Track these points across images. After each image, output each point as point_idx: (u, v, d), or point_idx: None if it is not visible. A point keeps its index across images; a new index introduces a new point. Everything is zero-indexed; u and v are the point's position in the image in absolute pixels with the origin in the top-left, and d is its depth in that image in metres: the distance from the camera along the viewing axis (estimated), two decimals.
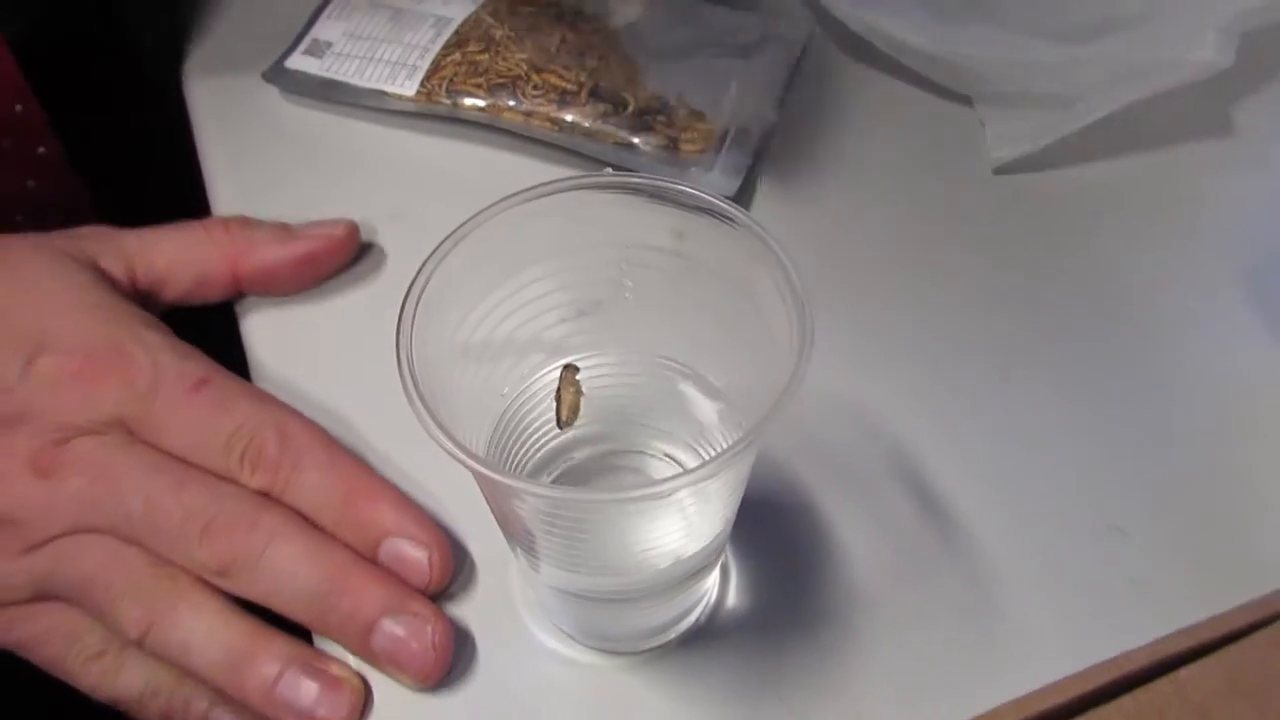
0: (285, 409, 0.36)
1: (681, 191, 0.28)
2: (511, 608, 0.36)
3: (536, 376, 0.33)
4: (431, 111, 0.49)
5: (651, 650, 0.35)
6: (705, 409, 0.33)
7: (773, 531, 0.38)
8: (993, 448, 0.40)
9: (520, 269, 0.30)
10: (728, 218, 0.28)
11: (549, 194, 0.29)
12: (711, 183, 0.46)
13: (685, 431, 0.34)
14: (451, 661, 0.34)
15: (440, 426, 0.24)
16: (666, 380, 0.33)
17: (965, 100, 0.52)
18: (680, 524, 0.29)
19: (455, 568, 0.36)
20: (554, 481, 0.35)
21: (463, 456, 0.24)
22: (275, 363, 0.42)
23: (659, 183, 0.29)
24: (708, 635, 0.36)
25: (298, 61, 0.51)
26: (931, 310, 0.45)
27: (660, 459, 0.35)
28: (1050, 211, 0.49)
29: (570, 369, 0.32)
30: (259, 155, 0.49)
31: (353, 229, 0.44)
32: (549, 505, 0.28)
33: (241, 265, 0.41)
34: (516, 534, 0.30)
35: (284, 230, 0.42)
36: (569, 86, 0.48)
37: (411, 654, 0.33)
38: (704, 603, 0.36)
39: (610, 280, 0.32)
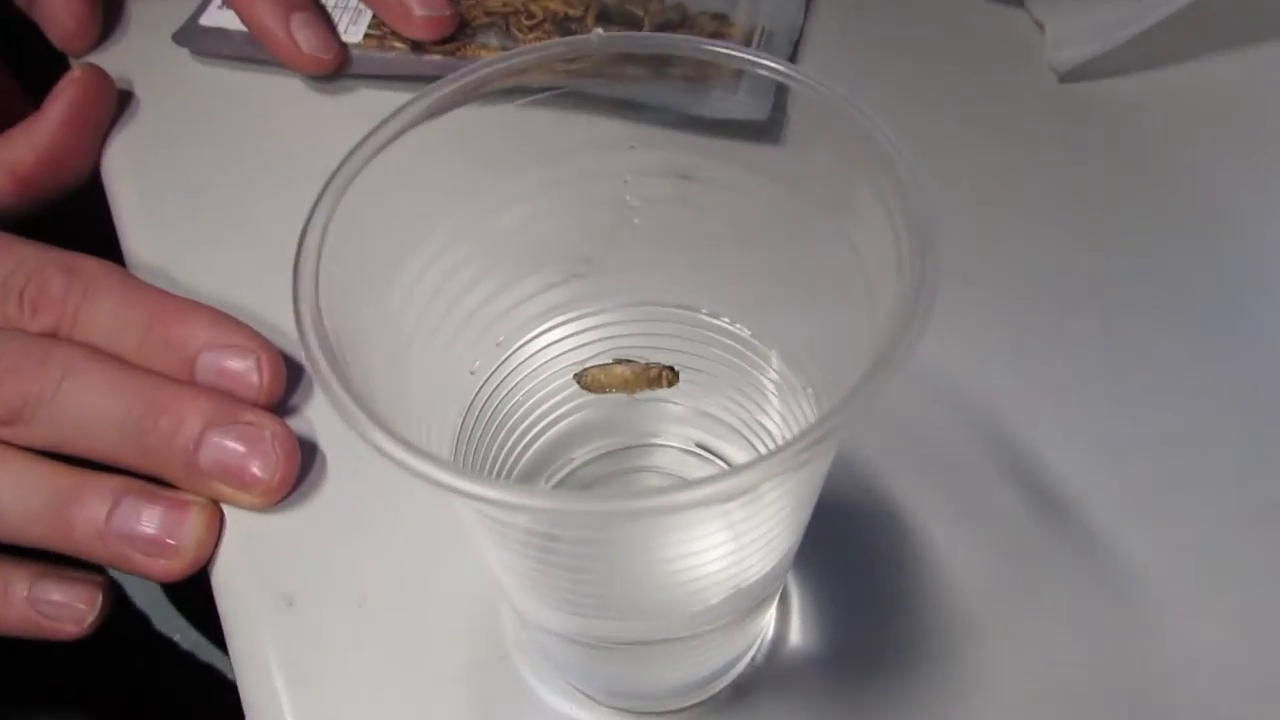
0: (75, 253, 0.31)
1: (716, 52, 0.19)
2: (503, 656, 0.27)
3: (520, 345, 0.24)
4: (384, 66, 0.40)
5: (693, 708, 0.26)
6: (755, 382, 0.24)
7: (843, 542, 0.29)
8: (1105, 416, 0.32)
9: (483, 189, 0.21)
10: (818, 92, 0.19)
11: (519, 65, 0.19)
12: (737, 107, 0.37)
13: (728, 414, 0.25)
14: (298, 473, 0.29)
15: (370, 417, 0.15)
16: (698, 344, 0.24)
17: None
18: (730, 545, 0.20)
19: (287, 384, 0.30)
20: (555, 489, 0.26)
21: (409, 460, 0.15)
22: None
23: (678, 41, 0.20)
24: (765, 684, 0.27)
25: (214, 17, 0.42)
26: (1005, 252, 0.36)
27: (694, 453, 0.26)
28: (1131, 125, 0.40)
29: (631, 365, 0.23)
30: (167, 128, 0.40)
31: (88, 70, 0.38)
32: (545, 523, 0.19)
33: (19, 170, 0.36)
34: (503, 569, 0.21)
35: (31, 120, 0.37)
36: (572, 11, 0.39)
37: (248, 466, 0.28)
38: (759, 642, 0.27)
39: (614, 205, 0.23)
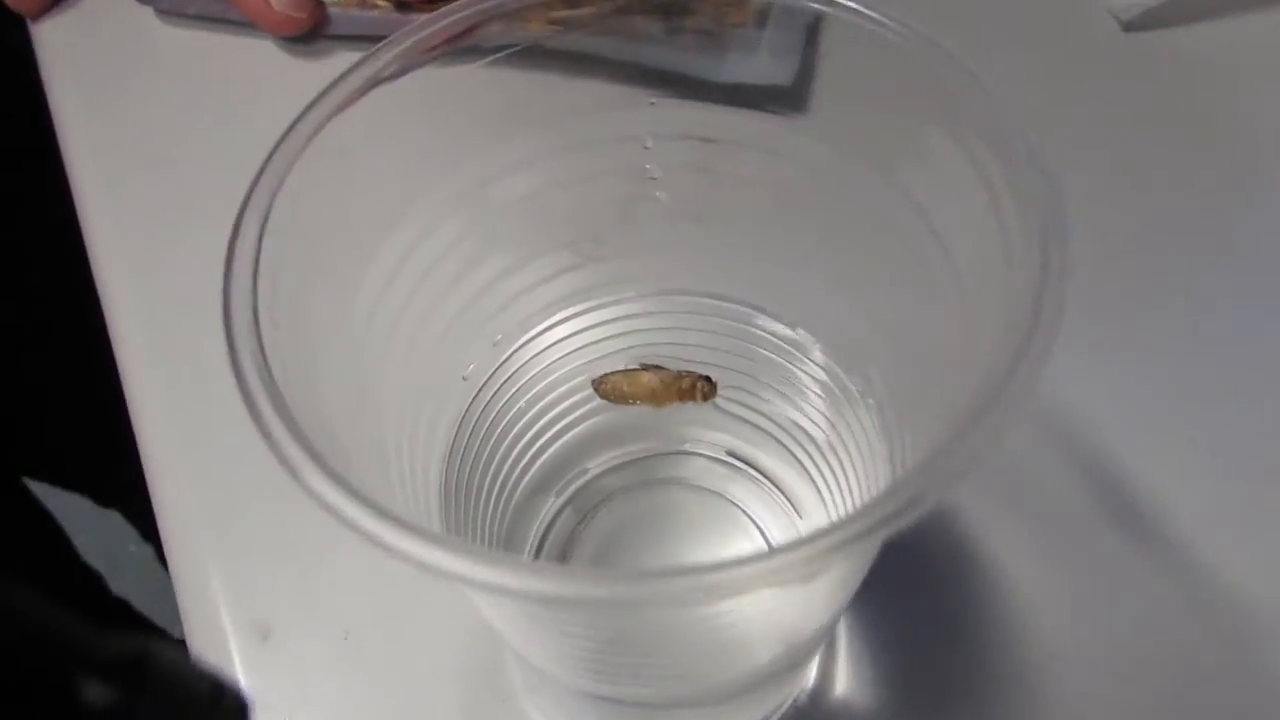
0: None
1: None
2: (508, 698, 0.24)
3: (521, 344, 0.20)
4: (366, 26, 0.36)
5: None
6: (794, 381, 0.20)
7: (895, 571, 0.25)
8: (1195, 417, 0.28)
9: (473, 158, 0.17)
10: (869, 24, 0.15)
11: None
12: (759, 70, 0.33)
13: (763, 418, 0.22)
14: None
15: (318, 465, 0.11)
16: (729, 338, 0.21)
17: None
18: (783, 608, 0.17)
19: None
20: (566, 505, 0.23)
21: (374, 530, 0.11)
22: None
23: None
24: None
25: None
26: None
27: (725, 462, 0.23)
28: (1200, 76, 0.36)
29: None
30: (129, 94, 0.36)
31: None
32: (569, 613, 0.15)
33: None
34: (508, 631, 0.17)
35: None
36: None
37: None
38: (801, 687, 0.23)
39: (632, 176, 0.19)
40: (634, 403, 0.19)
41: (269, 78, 0.36)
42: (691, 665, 0.17)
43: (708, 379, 0.19)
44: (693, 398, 0.19)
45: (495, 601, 0.16)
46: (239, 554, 0.26)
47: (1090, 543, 0.25)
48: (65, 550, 0.56)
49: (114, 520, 0.64)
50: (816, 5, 0.16)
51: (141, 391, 0.29)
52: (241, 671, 0.24)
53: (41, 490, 0.55)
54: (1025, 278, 0.12)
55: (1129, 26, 0.37)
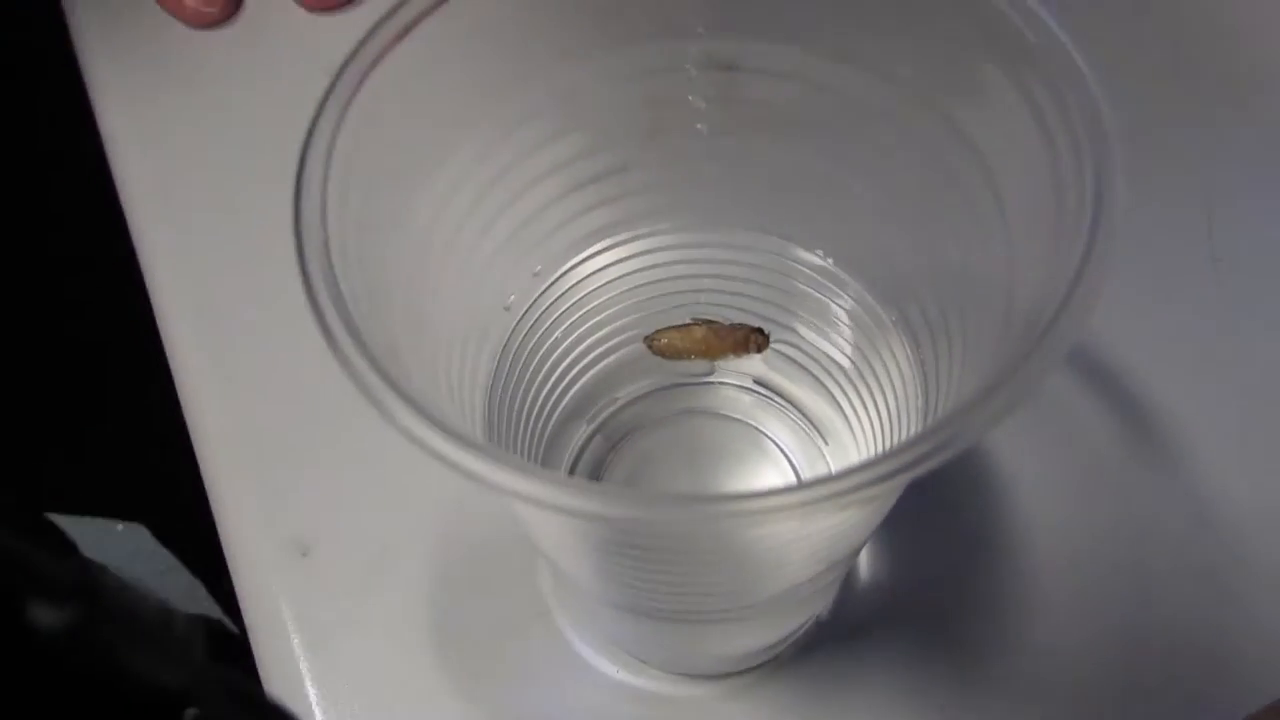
0: None
1: None
2: (543, 613, 0.25)
3: (560, 274, 0.20)
4: None
5: (756, 670, 0.24)
6: (826, 311, 0.21)
7: (915, 495, 0.26)
8: (1226, 359, 0.28)
9: (514, 89, 0.17)
10: None
11: None
12: None
13: (792, 348, 0.22)
14: None
15: (392, 386, 0.12)
16: (764, 265, 0.21)
17: None
18: (824, 533, 0.17)
19: None
20: (596, 433, 0.23)
21: (445, 449, 0.12)
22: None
23: None
24: (835, 638, 0.24)
25: None
26: None
27: (753, 391, 0.23)
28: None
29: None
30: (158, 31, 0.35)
31: None
32: (593, 526, 0.16)
33: None
34: (552, 548, 0.18)
35: None
36: None
37: None
38: (824, 604, 0.24)
39: (675, 106, 0.19)
40: (690, 358, 0.20)
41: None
42: (727, 584, 0.18)
43: (760, 330, 0.19)
44: (746, 350, 0.19)
45: (544, 519, 0.16)
46: (277, 472, 0.26)
47: (1110, 471, 0.26)
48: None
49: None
50: None
51: (173, 308, 0.29)
52: (281, 589, 0.25)
53: None
54: (1075, 225, 0.12)
55: None
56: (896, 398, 0.20)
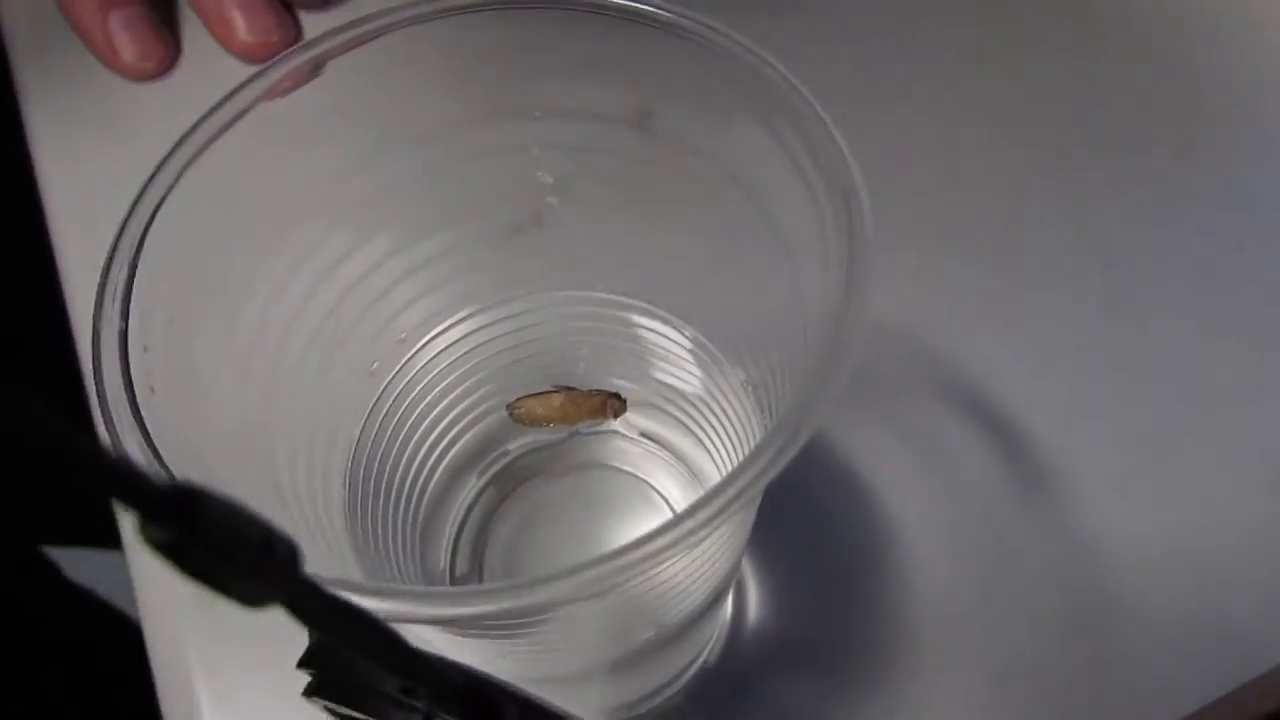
0: None
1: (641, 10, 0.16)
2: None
3: (426, 340, 0.21)
4: None
5: (646, 715, 0.24)
6: (686, 366, 0.22)
7: (804, 517, 0.26)
8: (1102, 377, 0.29)
9: (359, 169, 0.18)
10: (728, 51, 0.15)
11: (379, 32, 0.16)
12: None
13: (669, 404, 0.23)
14: None
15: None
16: (625, 326, 0.22)
17: None
18: (668, 584, 0.18)
19: None
20: (489, 485, 0.24)
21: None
22: None
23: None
24: (723, 680, 0.25)
25: None
26: (987, 168, 0.32)
27: (631, 439, 0.24)
28: (1137, 18, 0.36)
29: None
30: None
31: None
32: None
33: None
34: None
35: None
36: None
37: None
38: (713, 640, 0.25)
39: (524, 183, 0.20)
40: (548, 425, 0.21)
41: None
42: (592, 643, 0.18)
43: (617, 396, 0.20)
44: (604, 415, 0.20)
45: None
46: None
47: (991, 509, 0.26)
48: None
49: None
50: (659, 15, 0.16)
51: None
52: (189, 635, 0.26)
53: None
54: (835, 238, 0.14)
55: None
56: (743, 425, 0.20)
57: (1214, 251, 0.30)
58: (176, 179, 0.15)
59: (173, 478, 0.13)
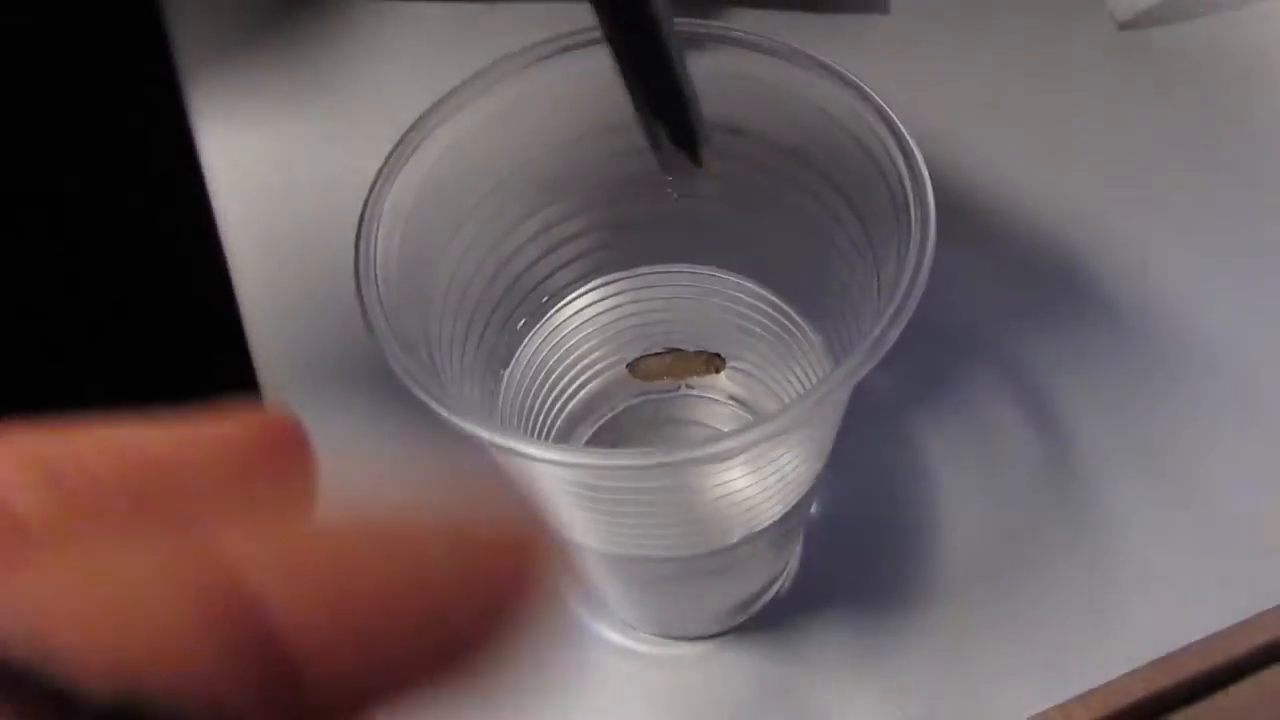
0: None
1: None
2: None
3: (564, 303, 0.26)
4: None
5: (728, 634, 0.29)
6: (775, 338, 0.26)
7: (870, 473, 0.31)
8: (1134, 373, 0.32)
9: (538, 149, 0.23)
10: (825, 69, 0.20)
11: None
12: None
13: (756, 366, 0.27)
14: None
15: (410, 374, 0.17)
16: (724, 302, 0.26)
17: None
18: (753, 488, 0.23)
19: None
20: (590, 441, 0.28)
21: (462, 423, 0.17)
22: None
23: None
24: (790, 611, 0.29)
25: None
26: (1053, 198, 0.36)
27: (724, 403, 0.28)
28: (1189, 74, 0.40)
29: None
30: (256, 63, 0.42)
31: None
32: (570, 475, 0.21)
33: None
34: (548, 506, 0.23)
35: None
36: None
37: None
38: (785, 573, 0.29)
39: (652, 175, 0.24)
40: (663, 379, 0.25)
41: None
42: (689, 531, 0.23)
43: (718, 355, 0.25)
44: (707, 370, 0.25)
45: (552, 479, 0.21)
46: None
47: (1022, 480, 0.30)
48: None
49: None
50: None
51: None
52: None
53: None
54: (906, 232, 0.18)
55: (1125, 25, 0.41)
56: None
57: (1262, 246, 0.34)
58: (425, 138, 0.20)
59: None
